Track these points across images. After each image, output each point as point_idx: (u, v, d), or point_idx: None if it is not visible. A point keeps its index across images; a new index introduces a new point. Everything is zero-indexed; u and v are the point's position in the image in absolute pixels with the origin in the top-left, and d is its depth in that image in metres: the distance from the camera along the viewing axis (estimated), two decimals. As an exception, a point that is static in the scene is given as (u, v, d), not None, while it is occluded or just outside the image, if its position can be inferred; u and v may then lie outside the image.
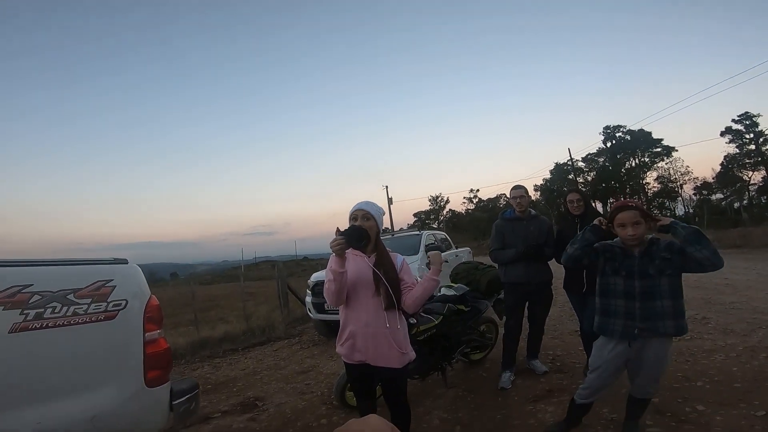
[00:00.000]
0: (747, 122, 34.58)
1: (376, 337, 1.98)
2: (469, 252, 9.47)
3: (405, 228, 8.77)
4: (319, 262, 23.24)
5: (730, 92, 62.13)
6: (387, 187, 33.98)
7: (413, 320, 3.04)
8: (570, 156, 36.05)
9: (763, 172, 34.23)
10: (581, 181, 41.88)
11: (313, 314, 6.01)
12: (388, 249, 2.09)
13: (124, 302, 1.82)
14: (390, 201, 33.35)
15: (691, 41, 59.98)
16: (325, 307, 5.63)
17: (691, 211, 37.04)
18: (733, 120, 35.18)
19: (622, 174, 40.75)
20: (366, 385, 2.14)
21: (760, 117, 33.93)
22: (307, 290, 6.33)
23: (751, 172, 35.19)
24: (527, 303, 3.52)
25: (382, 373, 2.03)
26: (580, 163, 42.25)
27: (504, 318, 3.67)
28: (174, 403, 1.97)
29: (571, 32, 67.89)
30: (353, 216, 2.06)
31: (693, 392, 2.88)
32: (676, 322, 2.01)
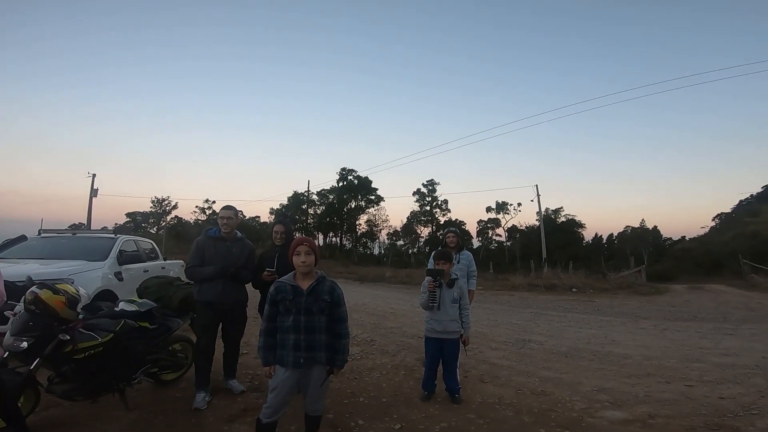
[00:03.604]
0: (430, 187, 47.80)
1: None
2: (181, 265, 8.42)
3: (109, 228, 7.02)
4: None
5: (428, 161, 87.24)
6: (94, 175, 27.60)
7: (66, 336, 2.58)
8: (308, 188, 39.71)
9: (430, 228, 47.86)
10: (311, 212, 46.42)
11: None
12: None
13: None
14: (94, 192, 27.51)
15: (418, 109, 78.28)
16: None
17: (383, 251, 47.20)
18: (423, 184, 47.96)
19: (343, 213, 47.88)
20: None
21: (439, 185, 47.69)
22: None
23: (423, 227, 48.69)
24: (222, 323, 3.49)
25: None
26: (314, 196, 47.01)
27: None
28: None
29: (332, 80, 77.46)
30: None
31: (357, 407, 3.36)
32: (327, 354, 2.42)
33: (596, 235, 50.26)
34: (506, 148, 76.78)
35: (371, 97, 77.64)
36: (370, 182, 46.58)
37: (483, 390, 3.83)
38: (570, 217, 46.32)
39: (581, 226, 46.69)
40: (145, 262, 6.44)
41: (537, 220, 33.98)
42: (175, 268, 7.66)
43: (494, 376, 4.27)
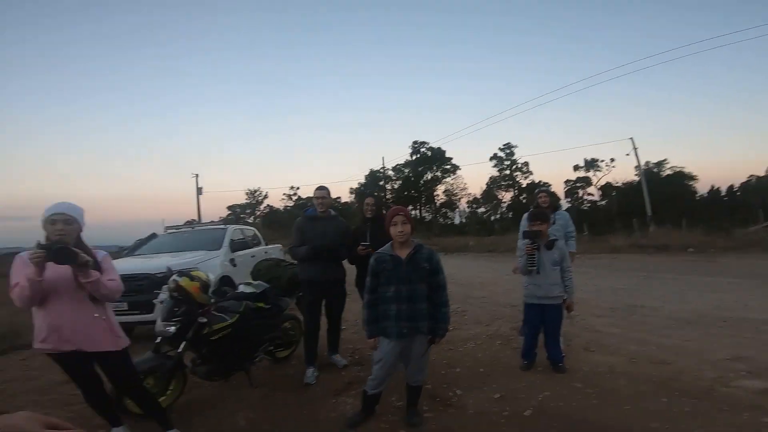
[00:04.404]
0: (507, 151, 45.29)
1: (87, 325, 2.10)
2: (280, 249, 9.22)
3: (216, 221, 8.07)
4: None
5: (503, 124, 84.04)
6: (197, 175, 31.38)
7: (203, 319, 2.83)
8: (383, 164, 40.27)
9: (512, 193, 45.60)
10: (389, 188, 47.05)
11: None
12: (90, 246, 2.19)
13: None
14: (200, 191, 31.36)
15: (483, 76, 74.52)
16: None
17: (464, 221, 46.24)
18: (499, 148, 45.52)
19: (420, 185, 47.69)
20: (85, 372, 2.21)
21: (517, 148, 45.05)
22: None
23: (504, 192, 46.54)
24: (324, 300, 3.68)
25: (100, 358, 2.20)
26: (390, 172, 47.48)
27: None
28: None
29: (397, 55, 76.37)
30: (50, 220, 2.04)
31: (454, 378, 3.38)
32: (429, 323, 2.43)
33: (712, 187, 42.97)
34: (590, 103, 68.28)
35: (435, 67, 74.55)
36: (443, 152, 45.56)
37: (589, 359, 3.62)
38: (678, 170, 40.37)
39: (692, 178, 40.42)
40: (251, 248, 7.14)
41: (636, 175, 30.32)
42: (275, 252, 8.42)
43: (601, 344, 4.00)
